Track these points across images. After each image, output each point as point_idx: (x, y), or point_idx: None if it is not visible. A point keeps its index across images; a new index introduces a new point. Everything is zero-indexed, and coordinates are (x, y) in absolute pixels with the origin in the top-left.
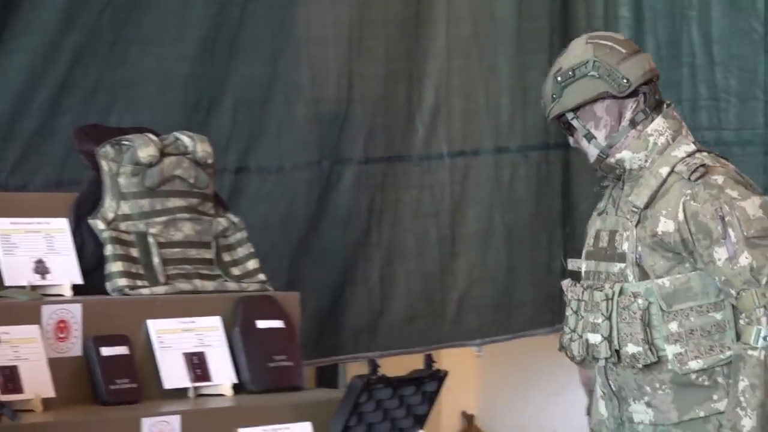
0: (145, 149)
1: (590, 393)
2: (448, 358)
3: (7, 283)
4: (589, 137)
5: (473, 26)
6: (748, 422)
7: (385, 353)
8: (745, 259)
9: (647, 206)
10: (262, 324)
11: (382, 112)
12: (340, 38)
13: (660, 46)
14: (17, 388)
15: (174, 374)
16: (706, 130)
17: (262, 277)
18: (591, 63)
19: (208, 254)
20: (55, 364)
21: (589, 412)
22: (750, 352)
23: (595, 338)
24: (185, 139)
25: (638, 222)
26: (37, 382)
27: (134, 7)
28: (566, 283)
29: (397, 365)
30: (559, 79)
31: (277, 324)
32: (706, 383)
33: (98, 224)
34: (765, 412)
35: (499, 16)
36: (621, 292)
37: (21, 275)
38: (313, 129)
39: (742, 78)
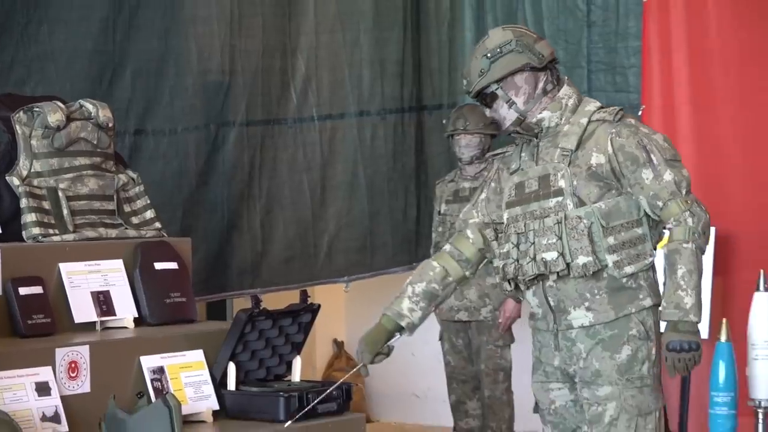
0: (54, 115)
1: None
2: (320, 293)
3: None
4: (510, 103)
5: (337, 6)
6: (689, 300)
7: (266, 290)
8: (668, 176)
9: (577, 148)
10: (159, 266)
11: (261, 82)
12: (223, 17)
13: (498, 22)
14: None
15: (83, 310)
16: None
17: (158, 225)
18: (514, 41)
19: (111, 206)
20: None
21: None
22: (684, 245)
23: (551, 255)
24: (89, 105)
25: (570, 162)
26: None
27: None
28: (491, 234)
29: (277, 300)
30: (489, 55)
31: (172, 265)
32: (633, 285)
33: (14, 180)
34: (699, 291)
35: None
36: (566, 217)
37: None
38: (201, 96)
39: (569, 49)
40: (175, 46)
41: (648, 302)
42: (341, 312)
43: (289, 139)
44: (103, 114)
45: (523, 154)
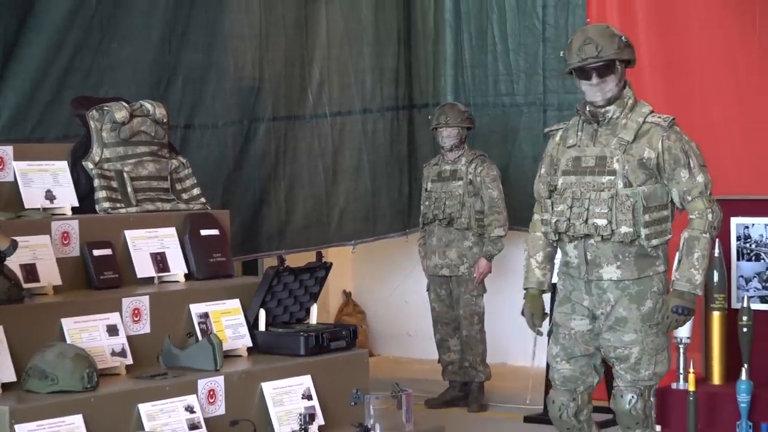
0: (120, 112)
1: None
2: (332, 254)
3: (26, 206)
4: (617, 82)
5: (345, 25)
6: (699, 278)
7: (289, 251)
8: (700, 178)
9: (632, 141)
10: (203, 232)
11: (284, 86)
12: (253, 35)
13: (472, 38)
14: (35, 279)
15: (144, 268)
16: (505, 96)
17: (203, 200)
18: (623, 37)
19: (165, 185)
20: (61, 262)
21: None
22: (703, 234)
23: (602, 222)
24: (148, 105)
25: (624, 151)
26: (49, 275)
27: (114, 13)
28: (545, 192)
29: (298, 259)
30: (624, 39)
31: (214, 232)
32: (654, 254)
33: (89, 165)
34: (705, 273)
35: (363, 18)
36: (617, 194)
37: (36, 201)
38: (237, 98)
39: (528, 60)
40: (216, 58)
41: (662, 268)
42: (349, 268)
43: (306, 131)
44: (159, 112)
45: (580, 134)
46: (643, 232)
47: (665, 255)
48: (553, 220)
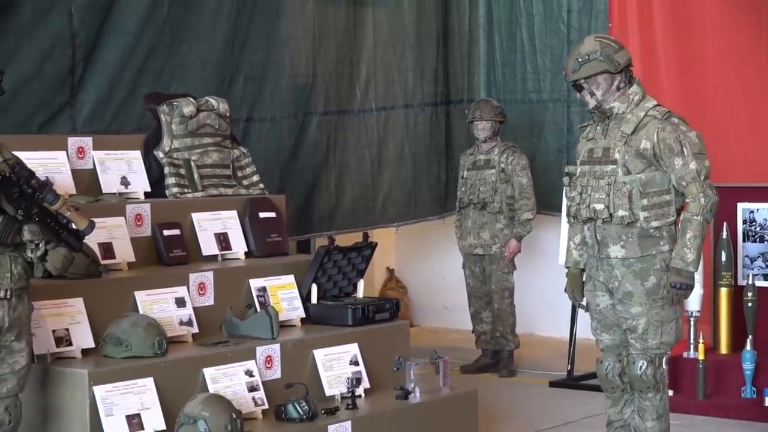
0: (187, 107)
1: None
2: (377, 234)
3: (104, 191)
4: (591, 94)
5: (389, 29)
6: (691, 256)
7: (338, 232)
8: (693, 165)
9: (632, 133)
10: (262, 215)
11: (334, 83)
12: (307, 38)
13: (503, 40)
14: (111, 256)
15: (209, 246)
16: (532, 93)
17: (261, 186)
18: (599, 51)
19: (228, 172)
20: (134, 241)
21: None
22: (695, 217)
23: (599, 206)
24: (212, 100)
25: (625, 142)
26: (124, 252)
27: (183, 18)
28: (566, 181)
29: (346, 239)
30: (579, 60)
31: (272, 215)
32: (657, 235)
33: (159, 154)
34: (700, 251)
35: (405, 22)
36: (615, 181)
37: (112, 186)
38: (292, 94)
39: (553, 60)
40: (274, 58)
41: (666, 248)
42: (392, 248)
43: (354, 124)
44: (223, 107)
45: (597, 128)
46: (642, 215)
47: (670, 235)
48: (568, 205)
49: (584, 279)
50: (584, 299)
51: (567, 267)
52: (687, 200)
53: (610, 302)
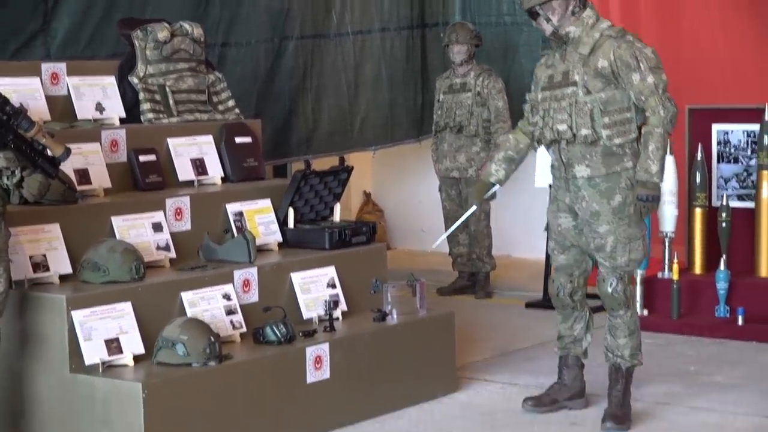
0: (162, 32)
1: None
2: (354, 158)
3: (78, 117)
4: (548, 20)
5: None
6: (654, 167)
7: (315, 156)
8: (650, 79)
9: (589, 54)
10: (238, 140)
11: (310, 7)
12: None
13: None
14: (88, 182)
15: (185, 171)
16: (506, 15)
17: (237, 111)
18: None
19: (203, 97)
20: (110, 167)
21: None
22: (656, 129)
23: (562, 127)
24: (186, 25)
25: (583, 63)
26: (100, 178)
27: None
28: (528, 108)
29: (323, 164)
30: None
31: (248, 140)
32: (620, 152)
33: (134, 80)
34: (663, 162)
35: None
36: (576, 102)
37: (87, 112)
38: (268, 18)
39: None
40: None
41: (630, 164)
42: (369, 171)
43: (331, 48)
44: (197, 31)
45: (556, 55)
46: (604, 133)
47: (633, 152)
48: (532, 130)
49: (549, 202)
50: (479, 205)
51: (480, 175)
52: (647, 114)
53: (572, 224)
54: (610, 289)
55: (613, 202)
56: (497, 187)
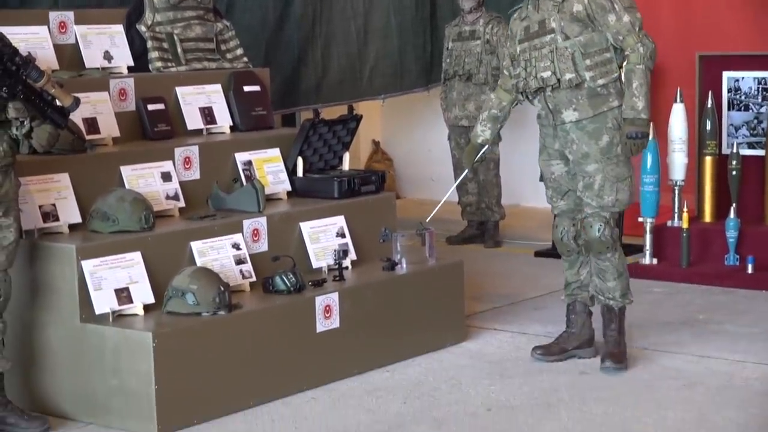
0: None
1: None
2: (363, 107)
3: (86, 66)
4: None
5: None
6: (640, 104)
7: (325, 105)
8: (626, 18)
9: (563, 1)
10: (246, 88)
11: None
12: None
13: None
14: (96, 131)
15: (193, 120)
16: None
17: (245, 59)
18: None
19: (212, 46)
20: (119, 116)
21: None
22: (637, 66)
23: (546, 74)
24: None
25: (558, 10)
26: (109, 127)
27: None
28: (506, 64)
29: (332, 113)
30: None
31: (256, 88)
32: (605, 92)
33: (142, 28)
34: (648, 98)
35: None
36: (557, 48)
37: (95, 61)
38: None
39: None
40: None
41: (616, 103)
42: (378, 120)
43: None
44: None
45: (529, 7)
46: (587, 75)
47: (617, 91)
48: (514, 83)
49: (539, 152)
50: (472, 168)
51: (470, 137)
52: (627, 53)
53: (565, 169)
54: (597, 234)
55: (600, 142)
56: (486, 147)
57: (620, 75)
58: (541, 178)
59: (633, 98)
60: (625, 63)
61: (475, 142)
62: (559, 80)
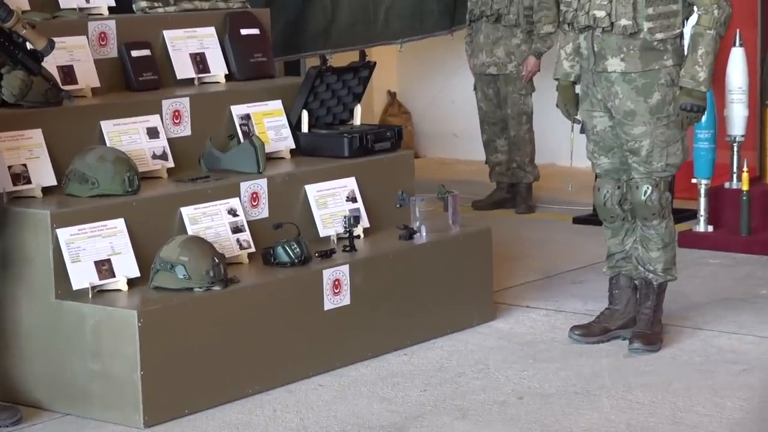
0: None
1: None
2: (377, 53)
3: (62, 6)
4: None
5: None
6: (703, 74)
7: (335, 51)
8: None
9: None
10: (244, 32)
11: None
12: None
13: None
14: (73, 81)
15: (183, 69)
16: None
17: None
18: None
19: None
20: (99, 63)
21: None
22: (708, 31)
23: (601, 13)
24: None
25: None
26: (87, 76)
27: None
28: None
29: (342, 60)
30: None
31: (255, 31)
32: (661, 48)
33: None
34: (712, 69)
35: None
36: None
37: (72, 1)
38: None
39: None
40: None
41: (670, 63)
42: (394, 68)
43: None
44: None
45: None
46: (646, 25)
47: (674, 49)
48: (563, 11)
49: (580, 98)
50: (576, 113)
51: (556, 79)
52: (699, 12)
53: (609, 124)
54: (644, 197)
55: (650, 100)
56: (578, 87)
57: (682, 32)
58: (582, 130)
59: (696, 66)
60: (694, 23)
61: (567, 82)
62: (612, 24)
